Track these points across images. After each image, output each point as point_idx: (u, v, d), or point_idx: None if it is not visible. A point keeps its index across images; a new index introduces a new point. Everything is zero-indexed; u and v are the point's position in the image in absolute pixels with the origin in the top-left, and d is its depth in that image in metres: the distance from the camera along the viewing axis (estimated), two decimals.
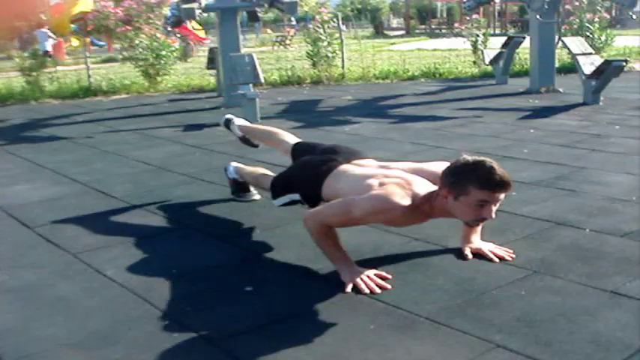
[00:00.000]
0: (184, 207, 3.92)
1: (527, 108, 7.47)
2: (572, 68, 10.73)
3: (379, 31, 36.87)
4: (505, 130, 6.09)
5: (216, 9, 8.68)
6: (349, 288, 2.57)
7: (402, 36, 32.68)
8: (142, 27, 10.92)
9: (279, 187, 3.29)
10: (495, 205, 2.51)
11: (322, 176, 3.01)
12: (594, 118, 6.54)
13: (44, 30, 18.59)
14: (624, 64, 7.24)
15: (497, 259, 2.83)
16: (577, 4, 11.68)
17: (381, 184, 2.68)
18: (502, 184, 2.44)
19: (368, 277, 2.63)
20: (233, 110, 7.64)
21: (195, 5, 7.67)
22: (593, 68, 7.44)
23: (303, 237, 3.27)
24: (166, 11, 11.08)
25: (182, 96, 10.22)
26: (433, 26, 38.77)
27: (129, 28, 10.95)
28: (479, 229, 2.93)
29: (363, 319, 2.34)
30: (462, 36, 13.52)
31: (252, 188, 3.95)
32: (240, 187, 3.95)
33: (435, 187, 2.66)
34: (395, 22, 49.00)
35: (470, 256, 2.88)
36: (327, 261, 2.77)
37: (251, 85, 7.39)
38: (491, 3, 29.57)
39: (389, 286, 2.58)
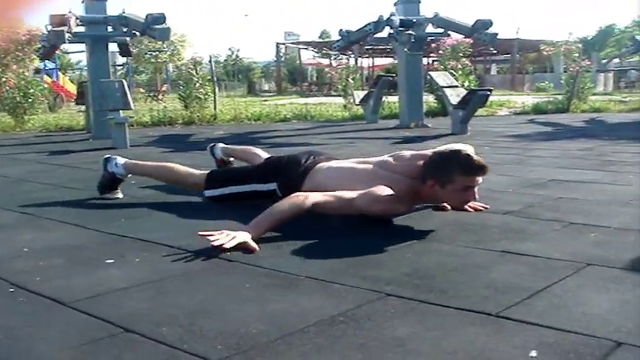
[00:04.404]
0: (43, 205, 3.52)
1: (398, 137, 7.56)
2: (438, 112, 11.12)
3: (252, 90, 37.11)
4: (377, 150, 6.04)
5: (86, 37, 8.29)
6: (208, 233, 2.43)
7: (274, 95, 32.97)
8: (9, 64, 10.36)
9: (236, 177, 3.41)
10: (476, 188, 2.72)
11: (307, 170, 3.13)
12: (464, 143, 6.64)
13: None
14: (489, 92, 7.49)
15: (472, 210, 3.04)
16: (441, 52, 12.17)
17: (373, 180, 2.81)
18: (482, 168, 2.67)
19: (243, 247, 2.40)
20: (102, 141, 7.31)
21: (65, 28, 7.23)
22: (459, 99, 7.64)
23: (171, 222, 3.05)
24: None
25: (50, 134, 9.62)
26: (304, 88, 39.50)
27: None
28: None
29: (237, 280, 2.08)
30: (332, 95, 13.77)
31: (118, 187, 3.67)
32: (110, 184, 3.65)
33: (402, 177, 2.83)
34: (267, 86, 49.57)
35: (448, 207, 3.04)
36: (194, 238, 2.52)
37: (120, 111, 7.05)
38: (357, 57, 30.35)
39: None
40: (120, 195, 3.66)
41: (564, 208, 3.16)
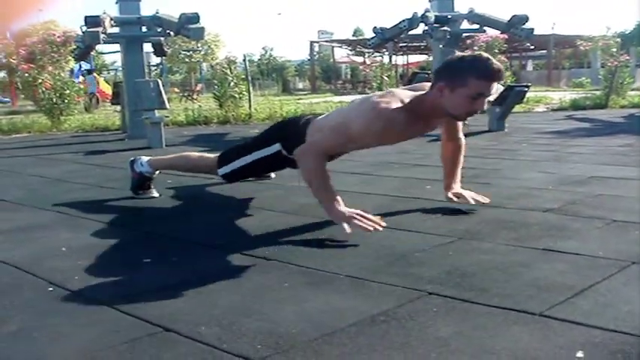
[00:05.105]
0: (80, 205, 3.55)
1: (434, 134, 7.46)
2: None
3: (286, 89, 37.15)
4: (413, 149, 6.00)
5: (120, 38, 8.36)
6: (347, 228, 2.44)
7: (308, 93, 32.95)
8: (45, 66, 10.49)
9: (242, 150, 3.25)
10: (487, 99, 2.58)
11: (305, 125, 2.99)
12: (501, 140, 6.58)
13: None
14: (526, 89, 7.37)
15: (473, 202, 3.00)
16: (476, 48, 12.04)
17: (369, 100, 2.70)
18: (499, 74, 2.50)
19: (361, 215, 2.46)
20: (138, 141, 7.36)
21: (100, 29, 7.29)
22: (496, 96, 7.54)
23: (207, 221, 3.05)
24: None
25: (86, 134, 9.72)
26: (338, 86, 39.37)
27: (32, 66, 10.49)
28: (458, 178, 3.20)
29: (274, 279, 2.07)
30: (366, 93, 13.68)
31: (152, 185, 3.68)
32: (142, 184, 3.66)
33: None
34: (301, 84, 49.51)
35: (455, 199, 3.06)
36: (234, 236, 2.51)
37: (156, 111, 7.10)
38: (390, 55, 30.20)
39: (382, 225, 2.50)
40: (155, 194, 3.68)
41: (606, 205, 3.09)
